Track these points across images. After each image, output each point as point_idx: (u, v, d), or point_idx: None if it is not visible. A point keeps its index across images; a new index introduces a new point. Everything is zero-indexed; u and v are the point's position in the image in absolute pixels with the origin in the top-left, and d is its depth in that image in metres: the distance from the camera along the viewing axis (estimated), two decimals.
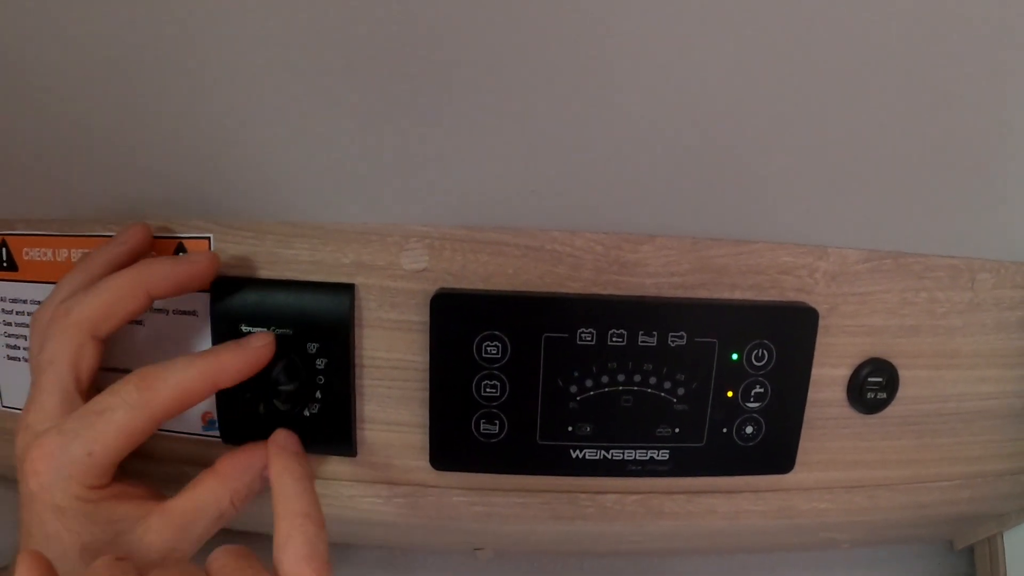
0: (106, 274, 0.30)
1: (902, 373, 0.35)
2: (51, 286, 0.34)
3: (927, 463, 0.37)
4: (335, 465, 0.34)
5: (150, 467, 0.34)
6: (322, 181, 0.30)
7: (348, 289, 0.32)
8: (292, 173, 0.30)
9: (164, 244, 0.33)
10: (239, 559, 0.24)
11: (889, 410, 0.35)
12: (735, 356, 0.32)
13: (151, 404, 0.26)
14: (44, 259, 0.35)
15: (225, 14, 0.22)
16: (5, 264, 0.36)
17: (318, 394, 0.32)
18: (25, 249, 0.35)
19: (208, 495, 0.28)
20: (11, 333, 0.37)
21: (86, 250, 0.34)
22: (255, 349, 0.29)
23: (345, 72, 0.24)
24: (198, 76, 0.25)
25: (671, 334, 0.31)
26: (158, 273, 0.29)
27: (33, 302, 0.36)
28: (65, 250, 0.35)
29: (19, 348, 0.37)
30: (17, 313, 0.36)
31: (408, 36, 0.23)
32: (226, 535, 0.29)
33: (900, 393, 0.35)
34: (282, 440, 0.30)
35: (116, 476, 0.28)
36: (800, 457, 0.34)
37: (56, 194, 0.34)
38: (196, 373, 0.27)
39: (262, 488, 0.30)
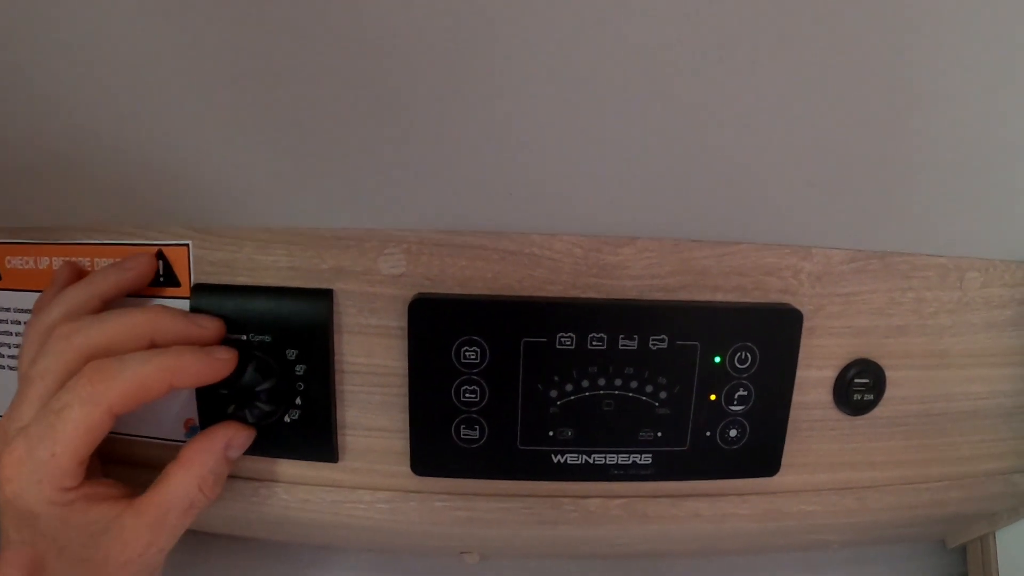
0: (110, 297, 0.31)
1: (889, 374, 0.34)
2: (34, 294, 0.34)
3: (916, 464, 0.36)
4: (316, 471, 0.34)
5: (132, 473, 0.34)
6: (299, 187, 0.30)
7: (326, 295, 0.31)
8: (269, 179, 0.29)
9: (144, 251, 0.33)
10: None
11: (876, 411, 0.35)
12: (718, 359, 0.32)
13: (106, 397, 0.26)
14: (26, 267, 0.35)
15: (200, 23, 0.22)
16: None
17: (298, 400, 0.32)
18: (8, 258, 0.35)
19: (176, 486, 0.28)
20: None
21: (68, 258, 0.34)
22: (217, 359, 0.29)
23: (320, 77, 0.24)
24: (175, 84, 0.25)
25: (652, 337, 0.31)
26: (168, 327, 0.29)
27: (16, 310, 0.36)
28: (47, 258, 0.35)
29: (2, 356, 0.37)
30: (0, 321, 0.36)
31: (383, 42, 0.22)
32: (201, 538, 0.28)
33: (888, 394, 0.35)
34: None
35: (88, 477, 0.28)
36: (786, 460, 0.34)
37: (37, 203, 0.33)
38: (153, 369, 0.27)
39: (228, 469, 0.31)
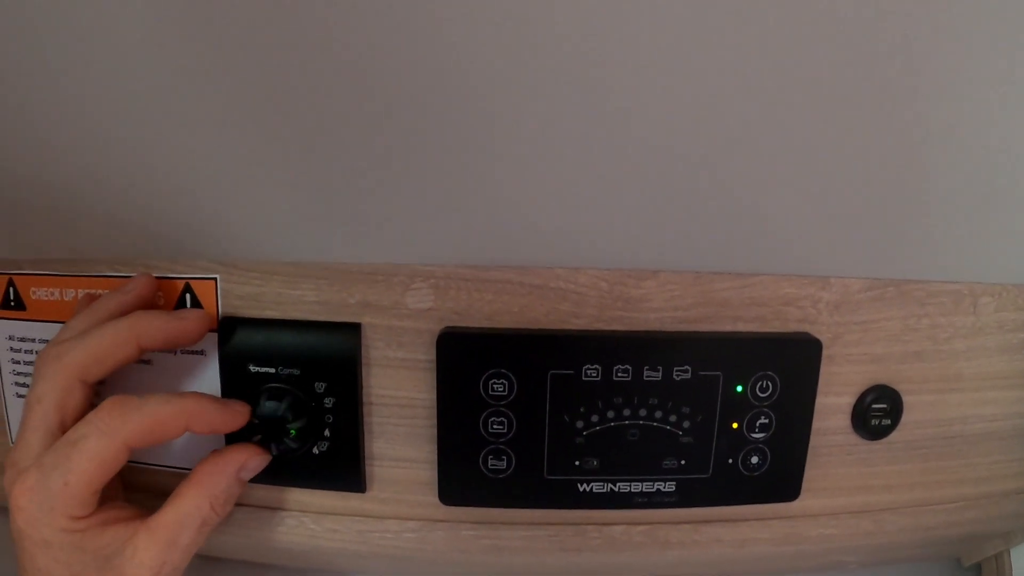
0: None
1: (906, 399, 0.35)
2: (58, 325, 0.35)
3: (932, 486, 0.37)
4: (345, 501, 0.34)
5: (159, 503, 0.34)
6: (327, 222, 0.30)
7: (354, 329, 0.32)
8: (297, 214, 0.30)
9: (171, 285, 0.33)
10: None
11: (894, 435, 0.35)
12: (740, 388, 0.32)
13: (122, 431, 0.27)
14: (51, 298, 0.36)
15: (229, 57, 0.23)
16: (13, 303, 0.36)
17: (327, 432, 0.33)
18: (32, 288, 0.36)
19: (189, 505, 0.29)
20: (19, 371, 0.37)
21: (92, 290, 0.34)
22: (233, 411, 0.30)
23: (349, 114, 0.25)
24: (203, 119, 0.25)
25: (676, 368, 0.31)
26: (150, 327, 0.30)
27: (41, 341, 0.36)
28: (72, 290, 0.35)
29: (27, 386, 0.37)
30: (25, 352, 0.37)
31: (413, 80, 0.23)
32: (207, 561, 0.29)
33: (904, 418, 0.35)
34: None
35: (102, 503, 0.28)
36: (805, 484, 0.35)
37: (63, 234, 0.34)
38: (171, 410, 0.28)
39: (240, 490, 0.31)
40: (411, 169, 0.27)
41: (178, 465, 0.35)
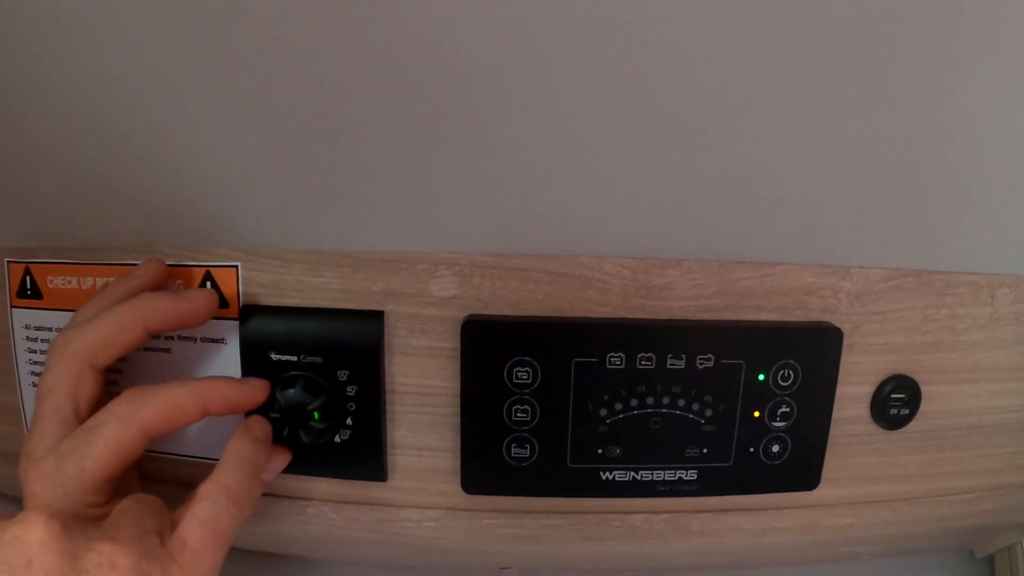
0: None
1: (924, 389, 0.35)
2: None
3: (949, 476, 0.37)
4: (365, 490, 0.34)
5: (180, 493, 0.34)
6: (349, 209, 0.30)
7: (378, 316, 0.32)
8: (320, 201, 0.30)
9: (191, 273, 0.33)
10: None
11: (912, 425, 0.35)
12: (761, 377, 0.32)
13: (139, 415, 0.27)
14: (68, 287, 0.35)
15: (253, 47, 0.23)
16: (30, 292, 0.36)
17: (349, 420, 0.32)
18: (49, 277, 0.36)
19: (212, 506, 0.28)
20: (36, 360, 0.37)
21: (110, 279, 0.34)
22: (251, 387, 0.30)
23: (372, 102, 0.24)
24: (224, 106, 0.25)
25: (699, 357, 0.31)
26: (156, 308, 0.29)
27: (58, 329, 0.36)
28: (89, 278, 0.35)
29: None
30: (42, 340, 0.36)
31: (435, 66, 0.23)
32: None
33: (922, 408, 0.35)
34: (251, 423, 0.31)
35: (115, 494, 0.28)
36: (825, 474, 0.35)
37: (80, 223, 0.34)
38: (187, 393, 0.28)
39: (262, 490, 0.30)
40: (435, 156, 0.27)
41: (198, 455, 0.35)
